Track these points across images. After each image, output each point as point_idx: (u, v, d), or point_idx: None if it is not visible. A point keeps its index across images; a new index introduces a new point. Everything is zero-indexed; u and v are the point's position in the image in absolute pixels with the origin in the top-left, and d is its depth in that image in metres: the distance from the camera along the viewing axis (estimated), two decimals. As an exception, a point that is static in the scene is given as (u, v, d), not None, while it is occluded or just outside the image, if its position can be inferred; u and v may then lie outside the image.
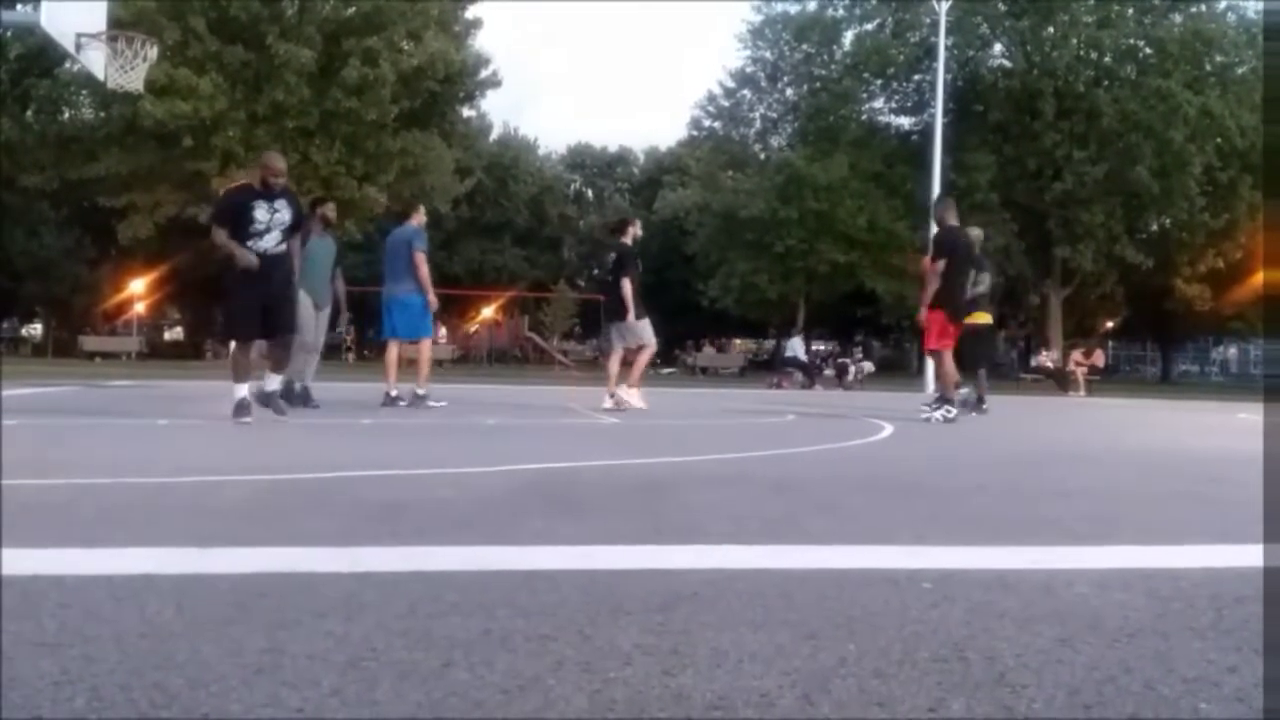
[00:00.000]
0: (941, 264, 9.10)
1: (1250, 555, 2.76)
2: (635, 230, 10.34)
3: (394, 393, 9.47)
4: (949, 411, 9.09)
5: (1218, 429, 10.24)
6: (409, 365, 9.89)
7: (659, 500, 3.64)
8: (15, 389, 11.15)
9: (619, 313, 10.00)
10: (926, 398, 10.18)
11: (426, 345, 9.74)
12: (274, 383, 7.53)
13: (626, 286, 9.87)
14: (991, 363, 11.50)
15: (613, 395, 10.05)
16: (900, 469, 5.35)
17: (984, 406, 10.79)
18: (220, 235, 6.95)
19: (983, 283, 10.67)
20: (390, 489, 3.78)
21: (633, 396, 9.94)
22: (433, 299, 9.43)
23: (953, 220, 9.47)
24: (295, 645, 1.64)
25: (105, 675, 1.47)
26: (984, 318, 10.88)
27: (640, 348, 10.11)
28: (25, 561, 2.23)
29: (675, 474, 4.55)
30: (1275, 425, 9.83)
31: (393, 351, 9.81)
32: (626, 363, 10.15)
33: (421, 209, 10.00)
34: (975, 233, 10.97)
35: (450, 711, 1.37)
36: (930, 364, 9.91)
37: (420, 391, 9.47)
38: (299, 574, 2.22)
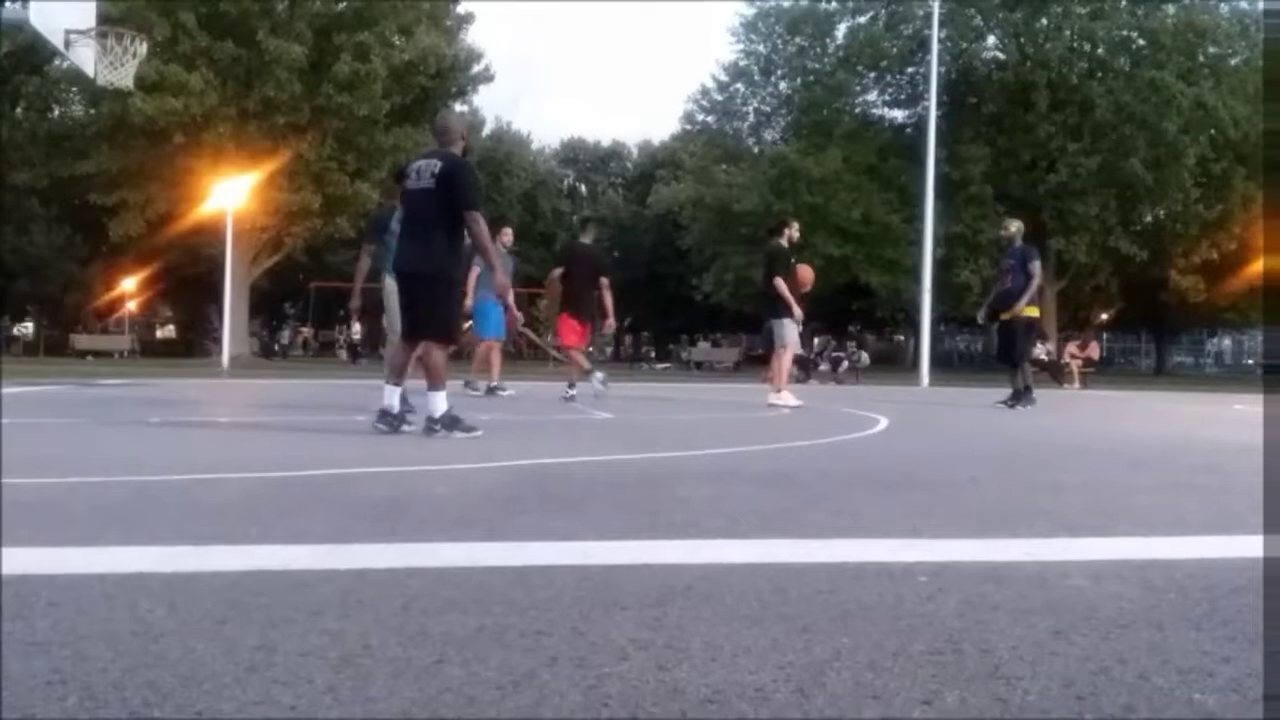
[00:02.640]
0: (559, 272, 10.53)
1: (1244, 546, 2.76)
2: (792, 232, 10.71)
3: (491, 384, 10.92)
4: (585, 389, 10.12)
5: (1212, 420, 10.27)
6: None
7: (654, 495, 3.64)
8: (6, 388, 11.11)
9: (774, 311, 10.27)
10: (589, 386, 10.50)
11: (491, 345, 11.01)
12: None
13: (780, 285, 10.15)
14: (1031, 355, 11.70)
15: (778, 393, 10.32)
16: (895, 462, 5.35)
17: (1032, 397, 10.97)
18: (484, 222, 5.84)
19: (1035, 275, 10.99)
20: (385, 486, 3.77)
21: (785, 397, 10.18)
22: (514, 311, 10.44)
23: (587, 240, 11.00)
24: (289, 643, 1.64)
25: (98, 674, 1.47)
26: (1033, 311, 11.15)
27: (782, 348, 10.41)
28: (17, 560, 2.22)
29: (670, 469, 4.55)
30: (1274, 415, 9.86)
31: (486, 349, 11.10)
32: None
33: (507, 231, 11.13)
34: (1015, 225, 11.67)
35: (444, 708, 1.36)
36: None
37: (493, 384, 10.92)
38: (294, 572, 2.21)
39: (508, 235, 10.90)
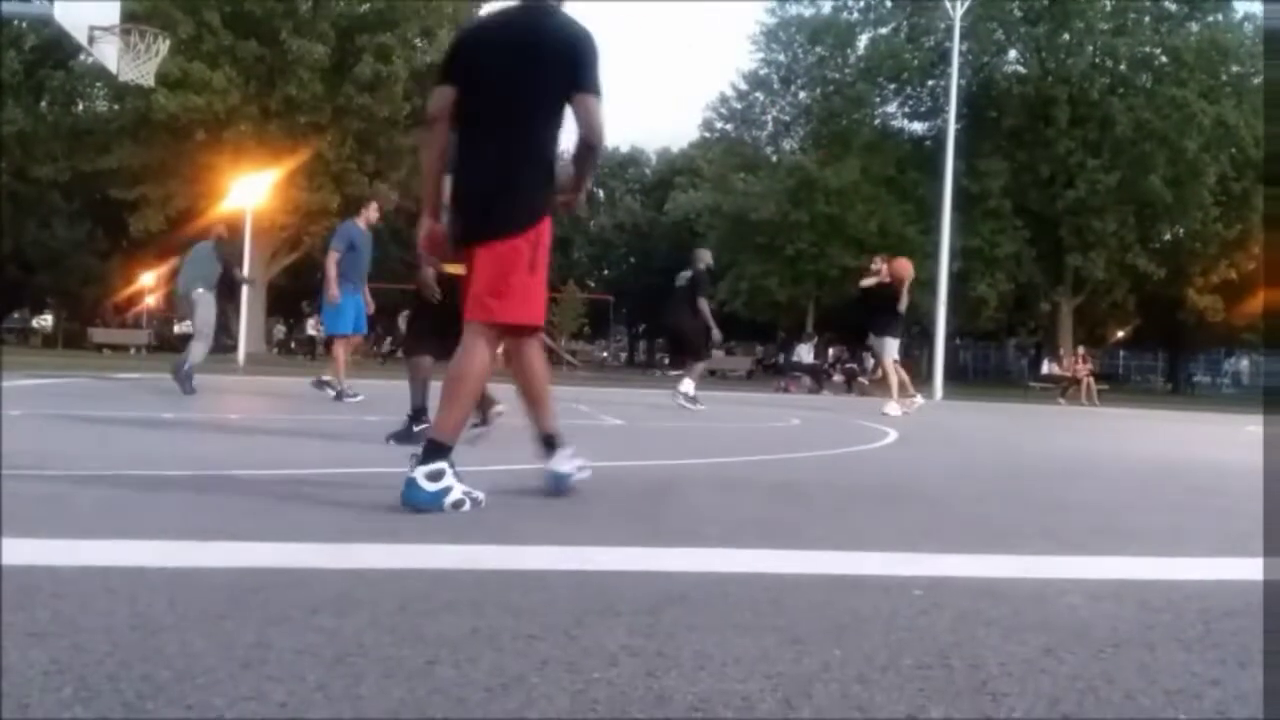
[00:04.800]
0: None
1: (1242, 568, 2.76)
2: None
3: (326, 378, 9.89)
4: None
5: (1223, 441, 10.21)
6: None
7: (657, 502, 3.65)
8: (22, 380, 11.21)
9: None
10: None
11: (340, 343, 9.91)
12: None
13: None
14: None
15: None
16: (901, 476, 5.35)
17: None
18: None
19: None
20: (389, 487, 3.79)
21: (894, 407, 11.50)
22: (332, 294, 9.20)
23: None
24: (284, 640, 1.66)
25: (94, 665, 1.49)
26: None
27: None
28: (20, 551, 2.25)
29: (675, 476, 4.56)
30: (1275, 437, 9.80)
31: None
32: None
33: (374, 205, 9.77)
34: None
35: (433, 708, 1.38)
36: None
37: (330, 382, 9.69)
38: (294, 569, 2.23)
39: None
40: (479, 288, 3.28)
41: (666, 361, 46.81)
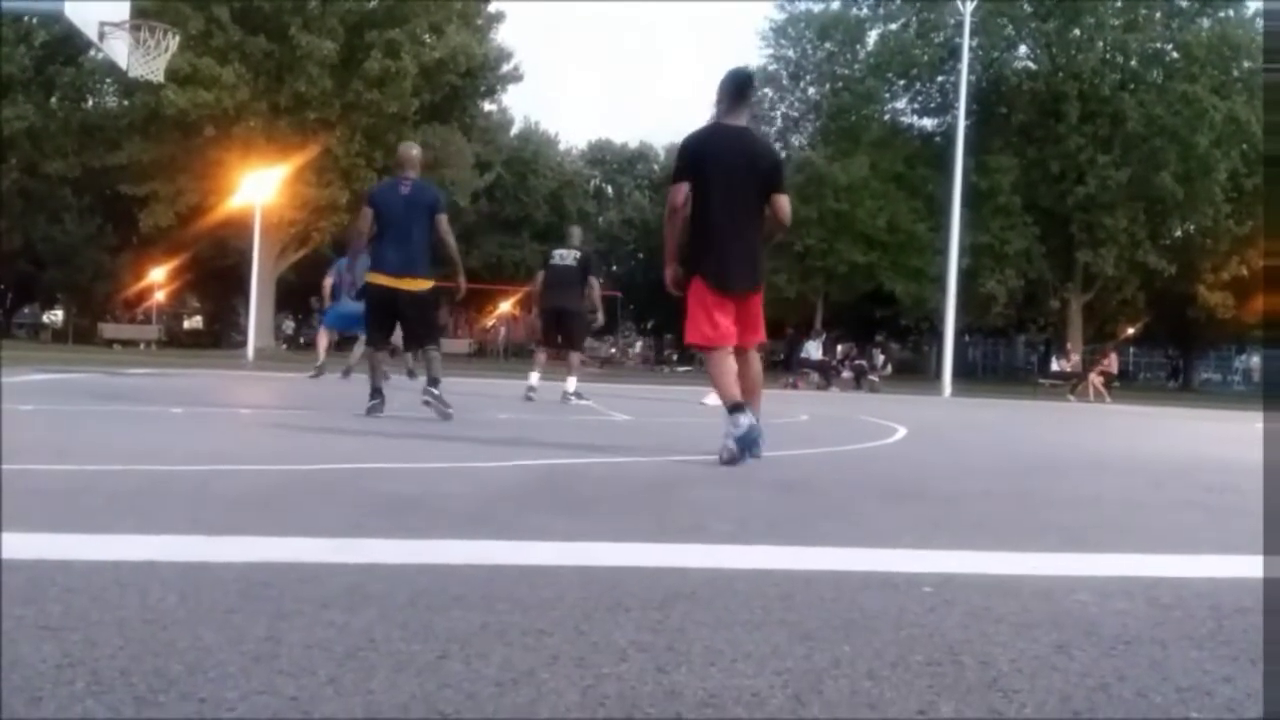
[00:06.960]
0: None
1: (1253, 566, 2.75)
2: None
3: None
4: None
5: (1233, 438, 10.17)
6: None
7: (664, 498, 3.65)
8: (33, 375, 11.25)
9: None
10: None
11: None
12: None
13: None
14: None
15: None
16: (909, 472, 5.34)
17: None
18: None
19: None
20: (400, 482, 3.80)
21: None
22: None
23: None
24: (295, 634, 1.66)
25: (106, 659, 1.49)
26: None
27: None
28: (32, 545, 2.26)
29: (683, 472, 4.56)
30: (1276, 433, 9.75)
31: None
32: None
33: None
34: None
35: (443, 703, 1.38)
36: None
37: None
38: (304, 564, 2.24)
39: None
40: (750, 322, 4.97)
41: (675, 358, 46.84)
